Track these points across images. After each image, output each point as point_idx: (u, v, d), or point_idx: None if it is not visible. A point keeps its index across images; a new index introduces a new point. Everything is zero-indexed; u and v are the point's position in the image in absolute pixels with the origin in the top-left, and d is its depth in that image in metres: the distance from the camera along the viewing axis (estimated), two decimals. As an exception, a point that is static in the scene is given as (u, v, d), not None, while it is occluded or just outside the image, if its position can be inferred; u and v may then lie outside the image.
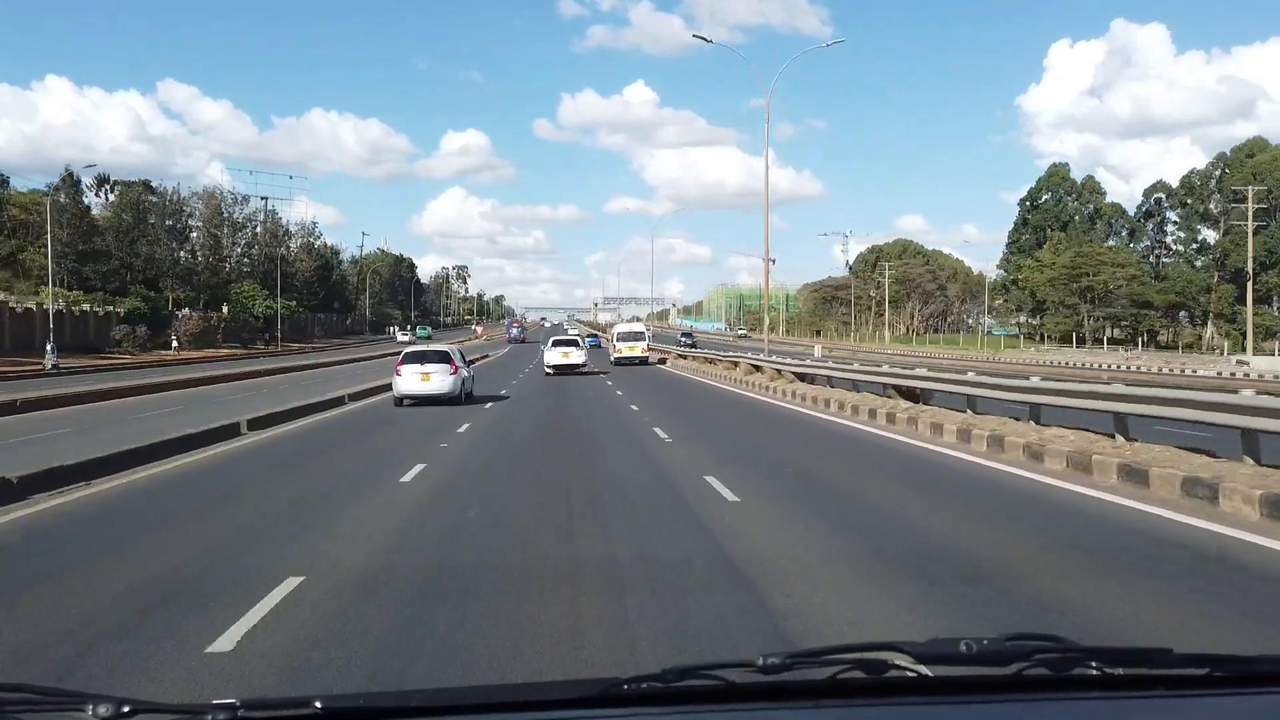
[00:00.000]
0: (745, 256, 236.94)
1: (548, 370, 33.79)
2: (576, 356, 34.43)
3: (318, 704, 1.31)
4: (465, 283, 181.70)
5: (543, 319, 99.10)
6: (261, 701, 1.35)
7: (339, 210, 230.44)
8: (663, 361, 44.43)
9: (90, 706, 1.27)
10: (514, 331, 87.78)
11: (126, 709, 1.27)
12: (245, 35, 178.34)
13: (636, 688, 1.40)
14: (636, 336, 43.89)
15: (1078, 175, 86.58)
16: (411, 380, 19.09)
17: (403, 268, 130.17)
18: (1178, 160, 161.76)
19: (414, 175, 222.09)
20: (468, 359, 22.11)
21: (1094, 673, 1.46)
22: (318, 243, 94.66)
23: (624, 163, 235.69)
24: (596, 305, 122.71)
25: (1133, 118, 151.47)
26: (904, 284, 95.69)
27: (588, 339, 55.70)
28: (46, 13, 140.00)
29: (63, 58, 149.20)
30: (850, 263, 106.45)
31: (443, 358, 19.61)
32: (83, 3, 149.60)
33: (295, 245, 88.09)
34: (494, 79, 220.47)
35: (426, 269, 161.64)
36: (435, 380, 18.93)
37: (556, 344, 35.63)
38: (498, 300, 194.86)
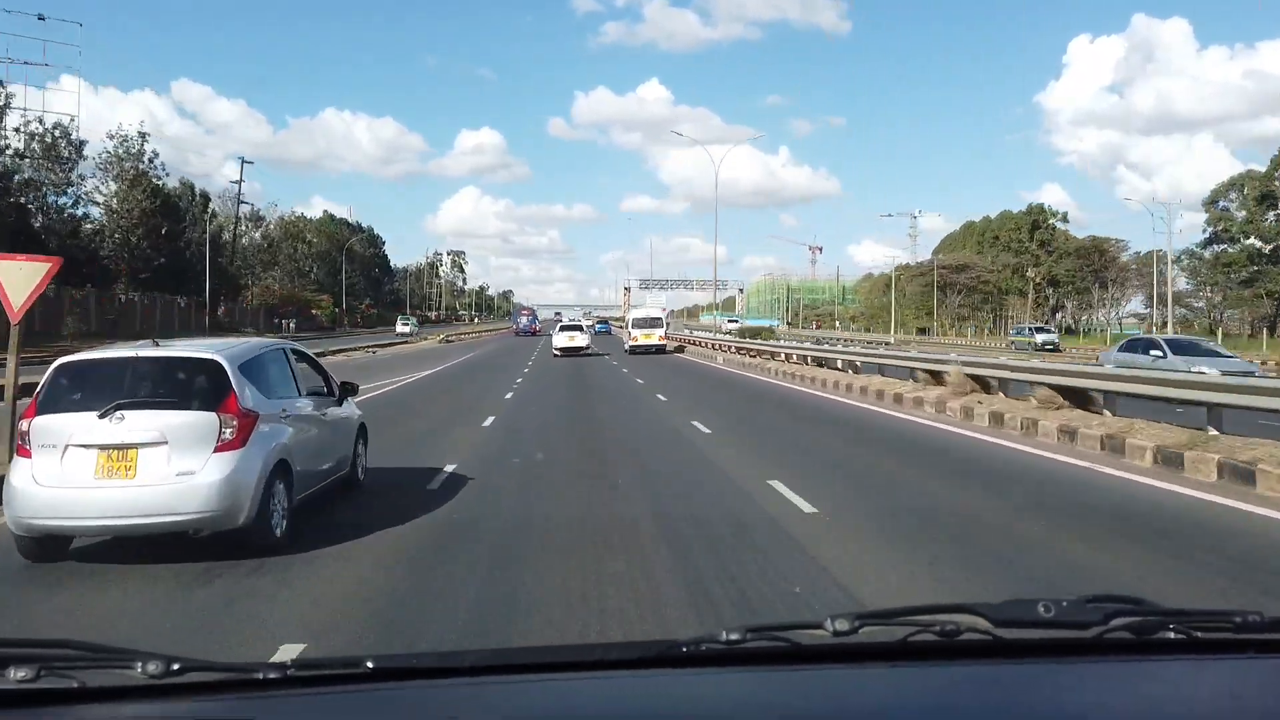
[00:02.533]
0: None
1: (555, 352, 40.96)
2: (581, 340, 42.19)
3: (369, 664, 1.41)
4: (462, 271, 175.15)
5: (557, 314, 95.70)
6: (314, 661, 1.48)
7: (355, 210, 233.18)
8: (680, 350, 46.28)
9: (140, 664, 1.35)
10: (522, 322, 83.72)
11: (176, 666, 1.35)
12: (258, 35, 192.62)
13: (696, 649, 1.46)
14: (652, 323, 45.07)
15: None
16: None
17: (360, 241, 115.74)
18: (1200, 157, 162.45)
19: (428, 174, 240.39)
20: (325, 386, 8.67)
21: (1176, 636, 1.53)
22: (167, 181, 63.45)
23: (638, 161, 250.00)
24: (636, 286, 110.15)
25: (1155, 114, 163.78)
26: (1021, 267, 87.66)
27: (597, 326, 67.96)
28: (62, 13, 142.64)
29: (79, 58, 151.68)
30: (908, 245, 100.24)
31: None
32: (97, 3, 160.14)
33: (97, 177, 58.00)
34: (507, 77, 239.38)
35: (459, 275, 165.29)
36: None
37: (564, 329, 43.56)
38: (505, 296, 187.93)
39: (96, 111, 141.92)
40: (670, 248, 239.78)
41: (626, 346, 45.13)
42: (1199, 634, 1.54)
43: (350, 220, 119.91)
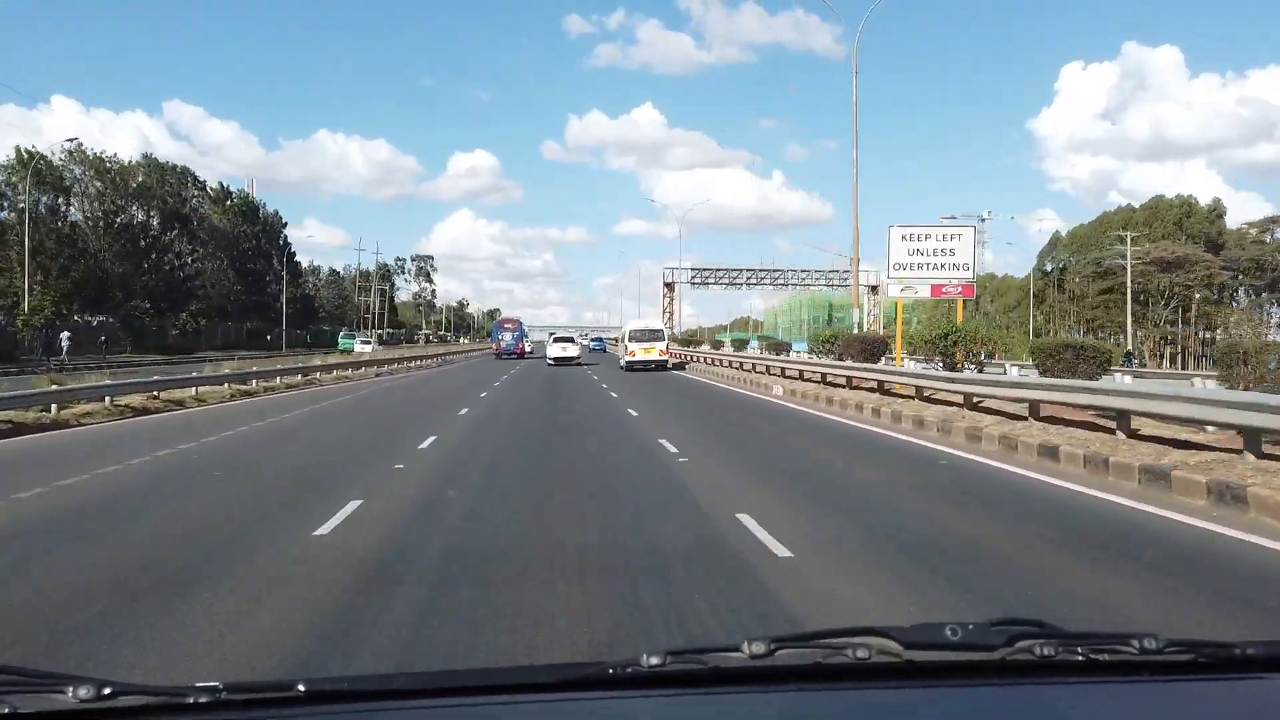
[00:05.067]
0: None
1: (549, 362, 49.14)
2: (573, 350, 51.09)
3: (301, 687, 1.52)
4: (429, 280, 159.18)
5: (551, 334, 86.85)
6: (245, 685, 1.56)
7: (346, 233, 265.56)
8: (681, 367, 46.87)
9: (70, 688, 1.44)
10: (506, 339, 65.23)
11: (107, 690, 1.45)
12: (251, 56, 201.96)
13: (622, 672, 1.64)
14: (652, 336, 44.82)
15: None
16: None
17: (268, 221, 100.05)
18: (1194, 184, 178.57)
19: (421, 197, 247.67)
20: None
21: (1079, 658, 1.71)
22: None
23: (633, 184, 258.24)
24: (686, 282, 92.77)
25: (1147, 141, 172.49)
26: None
27: (592, 343, 79.72)
28: (53, 33, 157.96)
29: (70, 78, 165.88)
30: (983, 254, 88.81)
31: None
32: (89, 23, 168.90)
33: None
34: (501, 99, 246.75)
35: (439, 293, 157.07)
36: None
37: (556, 341, 52.37)
38: (491, 315, 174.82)
39: (89, 132, 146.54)
40: (663, 272, 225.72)
41: (623, 362, 44.85)
42: (1101, 657, 1.72)
43: (262, 207, 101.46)
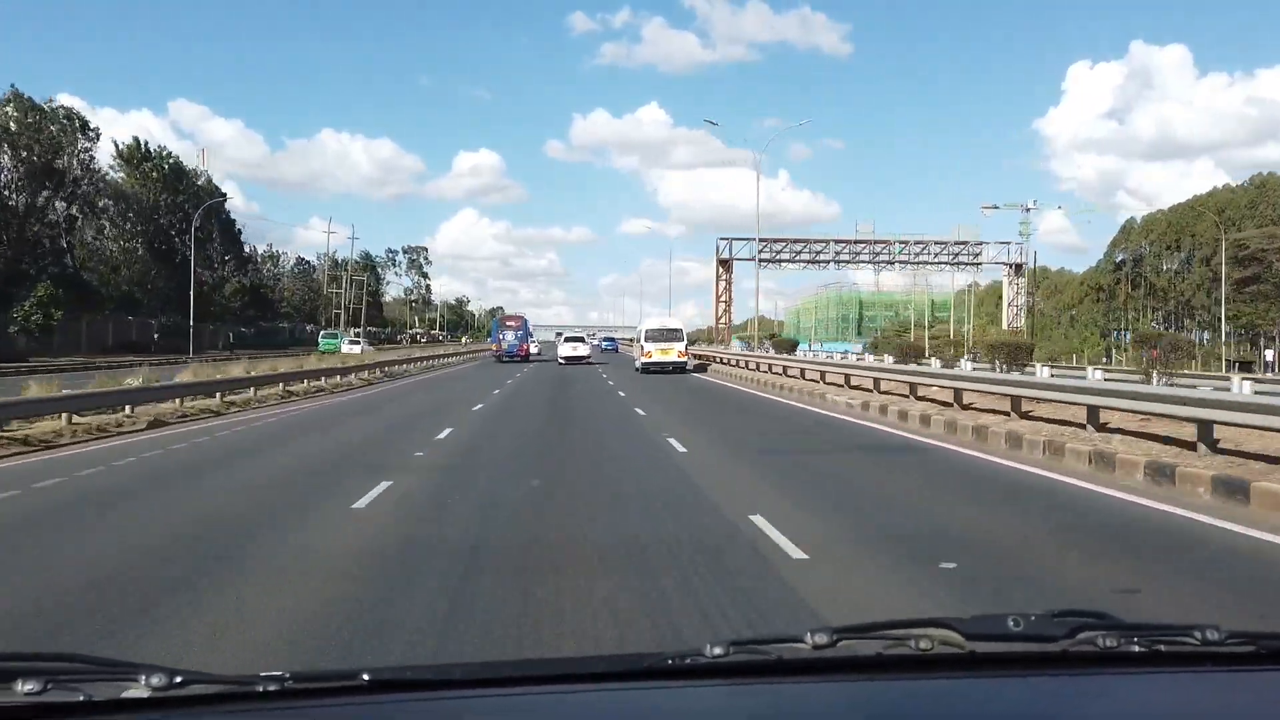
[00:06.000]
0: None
1: (560, 361, 53.33)
2: (583, 349, 55.08)
3: (364, 677, 1.55)
4: (423, 274, 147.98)
5: (558, 334, 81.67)
6: (310, 674, 1.63)
7: (349, 231, 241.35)
8: (702, 370, 45.05)
9: (143, 676, 1.47)
10: (508, 338, 56.90)
11: (179, 678, 1.48)
12: (255, 55, 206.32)
13: (681, 663, 1.63)
14: (671, 336, 42.84)
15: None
16: None
17: (185, 186, 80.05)
18: (1201, 184, 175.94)
19: (425, 196, 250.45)
20: None
21: (1141, 649, 1.71)
22: None
23: (636, 184, 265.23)
24: (745, 251, 74.78)
25: (1154, 140, 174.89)
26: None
27: (604, 343, 79.35)
28: (59, 33, 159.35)
29: (77, 78, 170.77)
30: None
31: None
32: (95, 23, 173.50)
33: None
34: (505, 97, 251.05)
35: (437, 291, 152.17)
36: None
37: (568, 340, 56.92)
38: (492, 313, 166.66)
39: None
40: (668, 270, 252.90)
41: (638, 364, 42.83)
42: (1161, 647, 1.72)
43: (181, 163, 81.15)
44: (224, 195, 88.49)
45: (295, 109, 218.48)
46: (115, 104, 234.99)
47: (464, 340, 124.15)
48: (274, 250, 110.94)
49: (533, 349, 60.81)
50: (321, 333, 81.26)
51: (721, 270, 78.49)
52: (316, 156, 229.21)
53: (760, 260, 60.82)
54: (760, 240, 59.31)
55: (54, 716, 1.45)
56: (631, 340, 69.76)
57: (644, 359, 41.97)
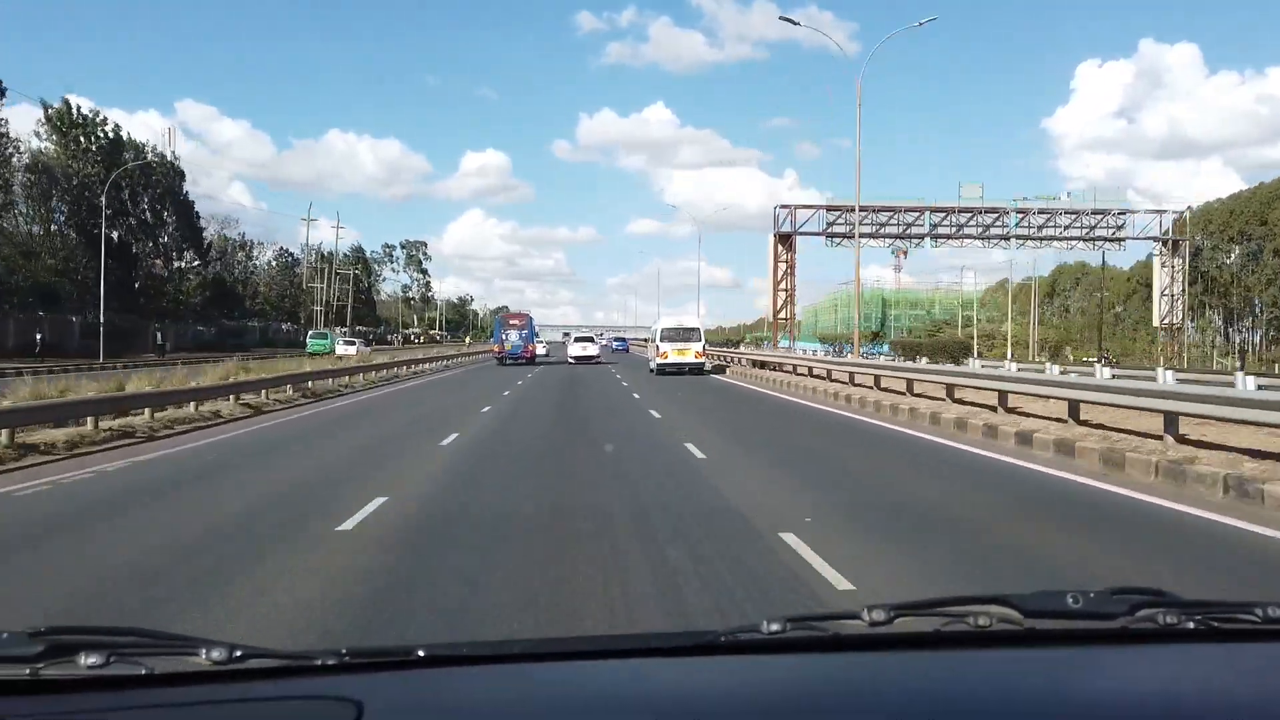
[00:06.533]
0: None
1: (570, 360, 53.94)
2: (592, 349, 56.14)
3: (420, 652, 1.58)
4: (422, 272, 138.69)
5: (565, 334, 78.51)
6: (367, 650, 1.62)
7: (357, 232, 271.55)
8: (720, 371, 43.57)
9: (204, 650, 1.50)
10: (512, 338, 52.05)
11: (239, 653, 1.50)
12: (262, 55, 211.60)
13: (735, 638, 1.66)
14: (688, 335, 41.05)
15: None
16: None
17: (153, 171, 72.31)
18: (1210, 182, 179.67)
19: (432, 196, 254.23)
20: None
21: (1200, 626, 1.71)
22: None
23: (644, 184, 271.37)
24: (820, 217, 61.62)
25: (1163, 139, 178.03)
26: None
27: (615, 343, 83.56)
28: (67, 33, 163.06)
29: (83, 78, 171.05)
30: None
31: None
32: (102, 24, 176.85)
33: None
34: (511, 97, 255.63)
35: (441, 289, 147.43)
36: None
37: (577, 340, 57.70)
38: (497, 313, 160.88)
39: (106, 132, 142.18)
40: (675, 270, 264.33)
41: (653, 365, 41.45)
42: (1220, 624, 1.72)
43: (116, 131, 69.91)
44: (182, 174, 77.55)
45: (302, 109, 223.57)
46: (123, 105, 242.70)
47: (467, 341, 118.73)
48: (245, 239, 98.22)
49: (540, 350, 57.06)
50: (310, 332, 74.47)
51: (781, 248, 61.81)
52: (324, 157, 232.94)
53: (830, 235, 53.94)
54: (829, 209, 49.40)
55: (117, 689, 1.47)
56: (645, 341, 67.02)
57: (659, 360, 40.32)
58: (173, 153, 78.08)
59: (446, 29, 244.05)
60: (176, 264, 76.35)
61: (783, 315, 64.23)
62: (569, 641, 1.85)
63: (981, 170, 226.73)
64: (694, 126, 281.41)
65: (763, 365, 41.30)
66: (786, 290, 63.06)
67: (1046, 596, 1.68)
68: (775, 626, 1.61)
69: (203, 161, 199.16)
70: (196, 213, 79.97)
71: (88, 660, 1.44)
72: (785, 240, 61.88)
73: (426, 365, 47.45)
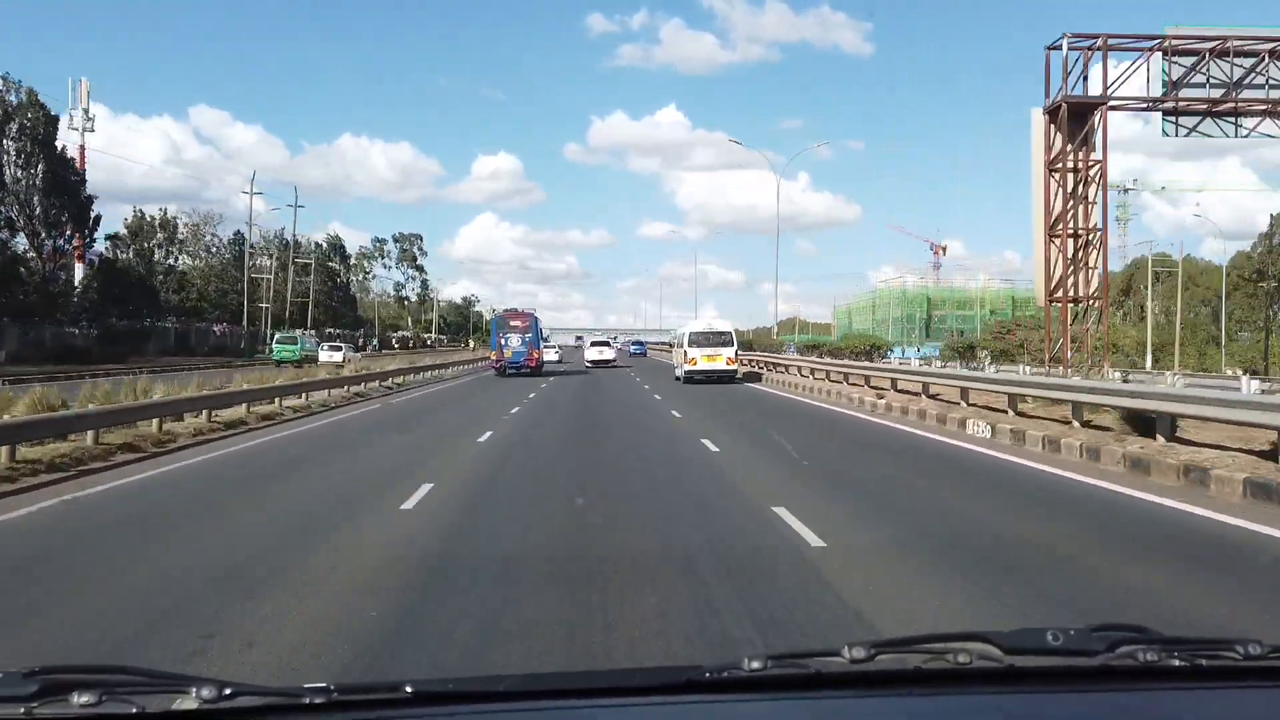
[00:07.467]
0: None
1: (587, 365, 56.06)
2: (609, 354, 59.40)
3: (408, 689, 1.59)
4: (418, 269, 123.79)
5: (578, 338, 72.71)
6: (355, 686, 1.64)
7: (370, 235, 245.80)
8: (756, 378, 40.95)
9: (194, 689, 1.52)
10: (514, 343, 42.48)
11: (228, 691, 1.52)
12: (275, 60, 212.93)
13: (719, 675, 1.66)
14: (720, 340, 37.86)
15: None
16: None
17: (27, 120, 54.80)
18: (1228, 182, 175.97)
19: (445, 200, 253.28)
20: None
21: (1180, 663, 1.70)
22: None
23: (655, 186, 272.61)
24: None
25: (1181, 139, 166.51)
26: None
27: (632, 347, 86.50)
28: (81, 40, 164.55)
29: (98, 84, 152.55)
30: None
31: None
32: (117, 30, 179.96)
33: None
34: (523, 100, 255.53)
35: (457, 293, 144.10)
36: None
37: (594, 344, 61.07)
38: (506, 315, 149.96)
39: (117, 137, 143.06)
40: (688, 274, 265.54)
41: (680, 373, 38.99)
42: (1202, 662, 1.71)
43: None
44: (55, 120, 57.32)
45: (314, 113, 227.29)
46: (138, 110, 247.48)
47: (472, 345, 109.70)
48: (170, 217, 79.87)
49: (550, 355, 49.27)
50: (277, 336, 63.14)
51: (1071, 123, 31.00)
52: (336, 161, 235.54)
53: (1175, 109, 28.60)
54: (1173, 52, 26.61)
55: None
56: (666, 345, 66.67)
57: (687, 366, 37.23)
58: (85, 111, 62.60)
59: (456, 31, 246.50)
60: (48, 242, 57.30)
61: (1095, 267, 32.25)
62: (558, 678, 1.72)
63: (995, 171, 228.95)
64: (706, 129, 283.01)
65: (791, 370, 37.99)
66: (1080, 234, 30.91)
67: (1026, 634, 1.72)
68: (757, 664, 1.65)
69: (217, 166, 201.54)
70: (81, 176, 60.49)
71: (81, 699, 1.47)
72: (1078, 110, 30.81)
73: (401, 379, 37.14)
